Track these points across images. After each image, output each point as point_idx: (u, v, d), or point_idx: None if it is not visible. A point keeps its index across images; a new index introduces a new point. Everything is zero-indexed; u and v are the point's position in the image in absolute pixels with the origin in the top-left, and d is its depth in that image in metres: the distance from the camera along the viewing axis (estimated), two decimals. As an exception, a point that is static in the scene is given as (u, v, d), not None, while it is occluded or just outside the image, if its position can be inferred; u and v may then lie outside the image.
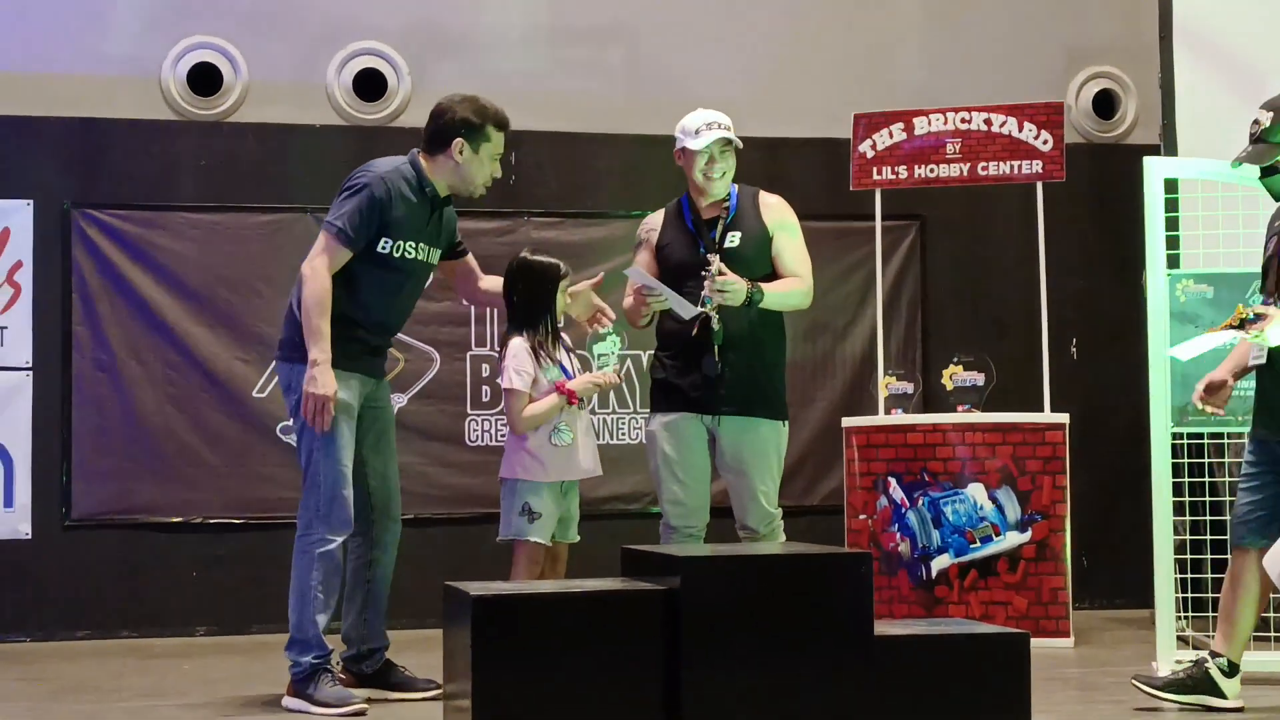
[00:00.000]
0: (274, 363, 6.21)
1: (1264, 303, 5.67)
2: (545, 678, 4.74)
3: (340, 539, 5.84)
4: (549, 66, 8.99)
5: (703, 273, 6.02)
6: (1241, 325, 5.49)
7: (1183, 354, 5.80)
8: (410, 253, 5.95)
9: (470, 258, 6.40)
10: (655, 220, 6.39)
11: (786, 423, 6.31)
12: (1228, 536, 5.80)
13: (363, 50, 8.74)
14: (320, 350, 5.71)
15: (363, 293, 5.88)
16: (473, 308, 8.47)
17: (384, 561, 6.13)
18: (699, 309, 6.04)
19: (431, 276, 6.21)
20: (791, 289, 6.22)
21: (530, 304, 6.34)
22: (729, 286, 5.99)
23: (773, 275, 6.23)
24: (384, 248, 5.87)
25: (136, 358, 8.31)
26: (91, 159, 8.40)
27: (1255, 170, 5.74)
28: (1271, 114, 5.60)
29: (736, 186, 6.31)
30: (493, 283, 6.43)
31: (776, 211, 6.29)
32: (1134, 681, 5.76)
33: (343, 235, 5.81)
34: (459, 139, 5.93)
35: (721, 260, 6.07)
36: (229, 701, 6.04)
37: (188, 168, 8.54)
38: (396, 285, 5.96)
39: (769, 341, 6.24)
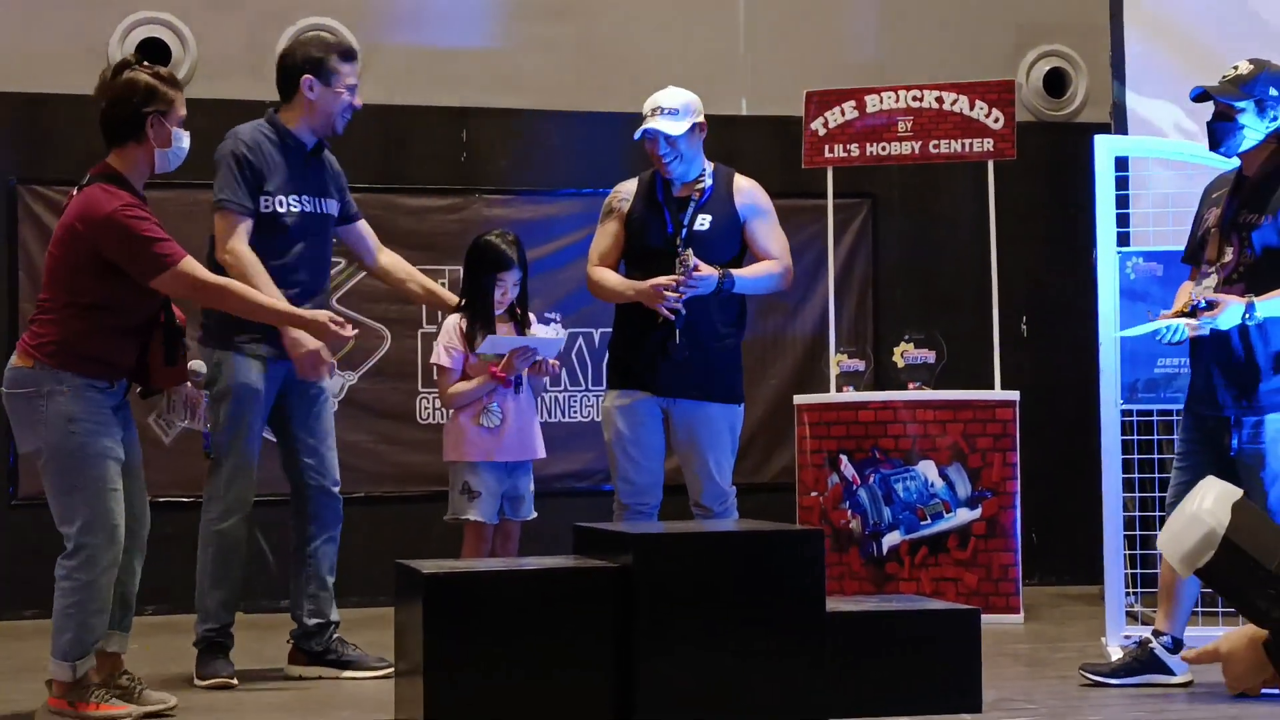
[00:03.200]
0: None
1: (1203, 274, 5.69)
2: (498, 656, 4.74)
3: (236, 518, 5.91)
4: (501, 43, 8.95)
5: (678, 264, 6.03)
6: (1192, 313, 5.51)
7: (1131, 333, 5.83)
8: (294, 205, 5.93)
9: (361, 224, 6.31)
10: (628, 189, 6.36)
11: (742, 404, 6.32)
12: (1167, 513, 5.83)
13: (314, 26, 8.67)
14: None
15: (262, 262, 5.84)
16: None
17: (322, 538, 6.13)
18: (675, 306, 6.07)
19: (333, 237, 6.18)
20: (765, 273, 6.24)
21: (470, 284, 6.37)
22: (700, 281, 6.02)
23: (740, 258, 6.25)
24: (266, 206, 5.88)
25: (84, 335, 8.25)
26: (38, 135, 8.32)
27: (1204, 147, 5.79)
28: (1253, 66, 5.64)
29: (712, 166, 6.30)
30: (392, 260, 6.38)
31: (748, 196, 6.30)
32: (1081, 672, 5.77)
33: (232, 204, 5.81)
34: (306, 75, 5.92)
35: (688, 243, 6.09)
36: (176, 679, 6.01)
37: (136, 143, 8.46)
38: (289, 244, 5.91)
39: (727, 325, 6.25)
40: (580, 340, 8.75)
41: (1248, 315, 5.45)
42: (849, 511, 7.61)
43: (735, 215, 6.24)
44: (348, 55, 6.01)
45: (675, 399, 6.18)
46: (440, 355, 6.36)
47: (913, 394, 7.74)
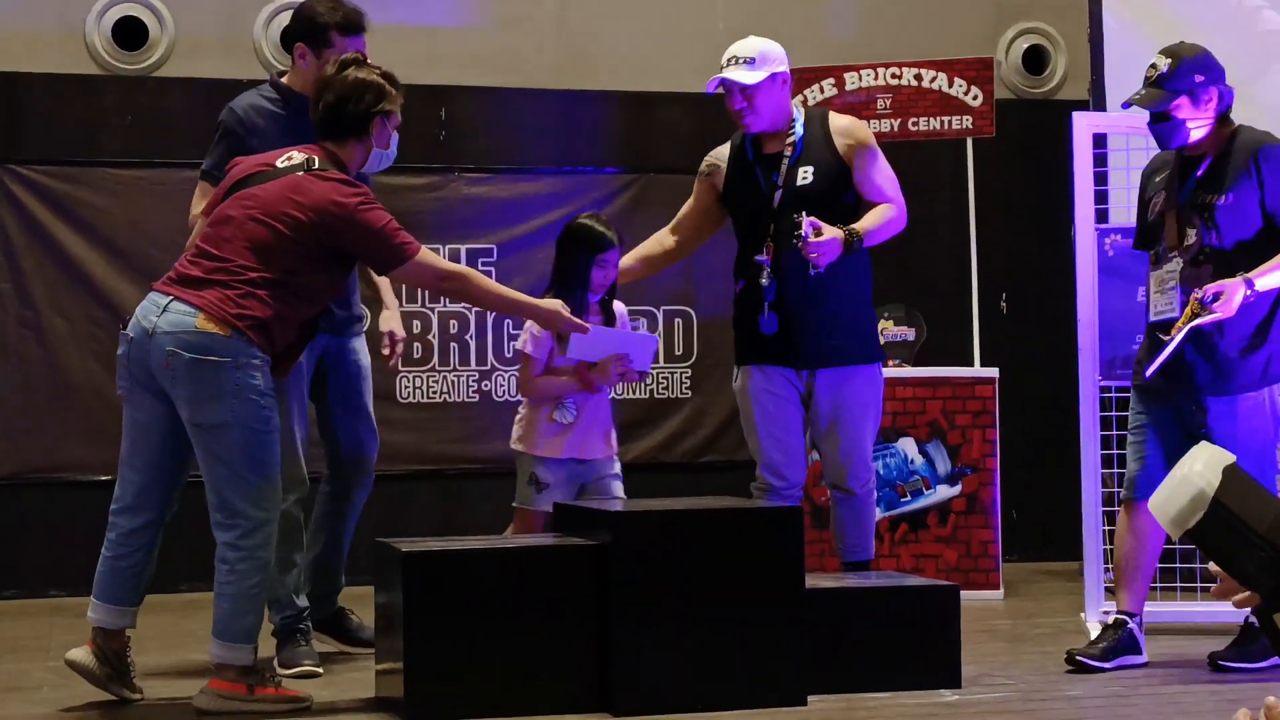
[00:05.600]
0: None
1: (1163, 259, 5.61)
2: (477, 633, 4.75)
3: (292, 497, 5.66)
4: (480, 21, 8.93)
5: (794, 236, 5.60)
6: (1200, 312, 5.37)
7: (1151, 373, 5.54)
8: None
9: None
10: (720, 154, 6.02)
11: (880, 363, 6.02)
12: (1127, 492, 5.74)
13: (290, 4, 8.61)
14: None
15: None
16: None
17: (347, 513, 6.03)
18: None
19: None
20: (885, 219, 5.80)
21: (564, 270, 5.92)
22: (820, 248, 5.58)
23: (857, 206, 5.85)
24: None
25: (62, 315, 8.22)
26: (15, 114, 8.28)
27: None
28: (1170, 60, 5.55)
29: (803, 112, 5.95)
30: None
31: (849, 134, 5.90)
32: (1078, 658, 5.54)
33: (206, 175, 5.63)
34: (300, 43, 5.70)
35: (792, 199, 5.73)
36: (159, 659, 6.01)
37: (114, 123, 8.44)
38: None
39: (854, 277, 5.86)
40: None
41: (1249, 293, 5.36)
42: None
43: (840, 161, 5.82)
44: (347, 28, 5.66)
45: (814, 370, 5.84)
46: (526, 343, 5.91)
47: (892, 371, 7.75)
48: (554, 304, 5.32)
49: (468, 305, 8.14)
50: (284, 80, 5.81)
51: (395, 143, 5.24)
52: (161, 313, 4.89)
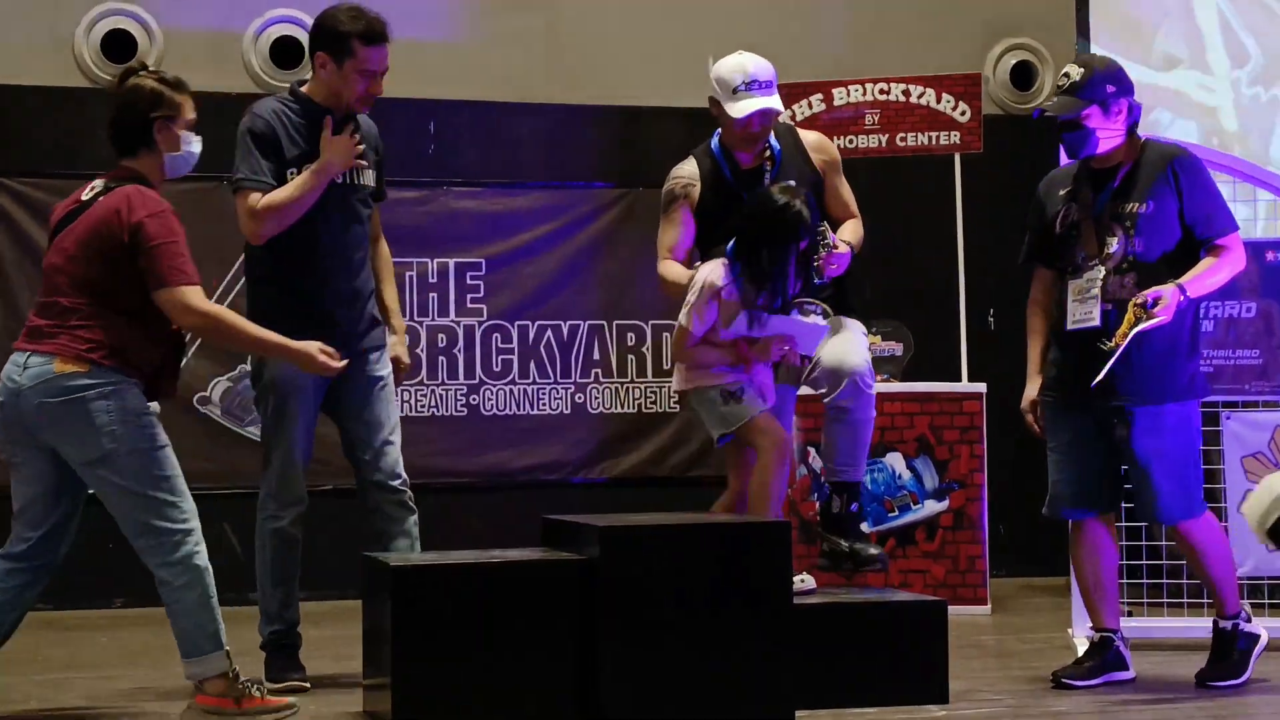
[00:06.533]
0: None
1: (1088, 265, 5.55)
2: (465, 648, 4.75)
3: (290, 515, 5.67)
4: (469, 35, 8.94)
5: (821, 247, 5.48)
6: (1142, 317, 5.33)
7: (1096, 382, 5.44)
8: None
9: (374, 212, 5.88)
10: (688, 171, 5.79)
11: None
12: (1052, 510, 5.78)
13: (279, 17, 8.66)
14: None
15: (286, 246, 5.53)
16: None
17: (397, 536, 5.72)
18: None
19: (369, 209, 5.78)
20: (860, 232, 5.77)
21: (758, 249, 5.40)
22: (840, 260, 5.53)
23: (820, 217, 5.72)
24: (290, 179, 5.53)
25: (50, 328, 8.21)
26: (3, 126, 8.29)
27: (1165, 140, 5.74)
28: (1083, 69, 5.53)
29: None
30: (379, 257, 5.90)
31: (824, 150, 5.84)
32: (1064, 680, 5.52)
33: (249, 181, 5.50)
34: (321, 52, 5.59)
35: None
36: (147, 673, 6.00)
37: (102, 135, 8.34)
38: (315, 221, 5.51)
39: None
40: (549, 333, 8.74)
41: (1183, 299, 5.36)
42: (817, 503, 7.62)
43: (816, 174, 5.76)
44: (370, 38, 5.57)
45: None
46: (691, 316, 5.49)
47: (880, 386, 7.72)
48: (309, 347, 5.13)
49: (457, 319, 8.16)
50: (304, 90, 5.69)
51: (193, 143, 5.13)
52: (23, 371, 4.94)
